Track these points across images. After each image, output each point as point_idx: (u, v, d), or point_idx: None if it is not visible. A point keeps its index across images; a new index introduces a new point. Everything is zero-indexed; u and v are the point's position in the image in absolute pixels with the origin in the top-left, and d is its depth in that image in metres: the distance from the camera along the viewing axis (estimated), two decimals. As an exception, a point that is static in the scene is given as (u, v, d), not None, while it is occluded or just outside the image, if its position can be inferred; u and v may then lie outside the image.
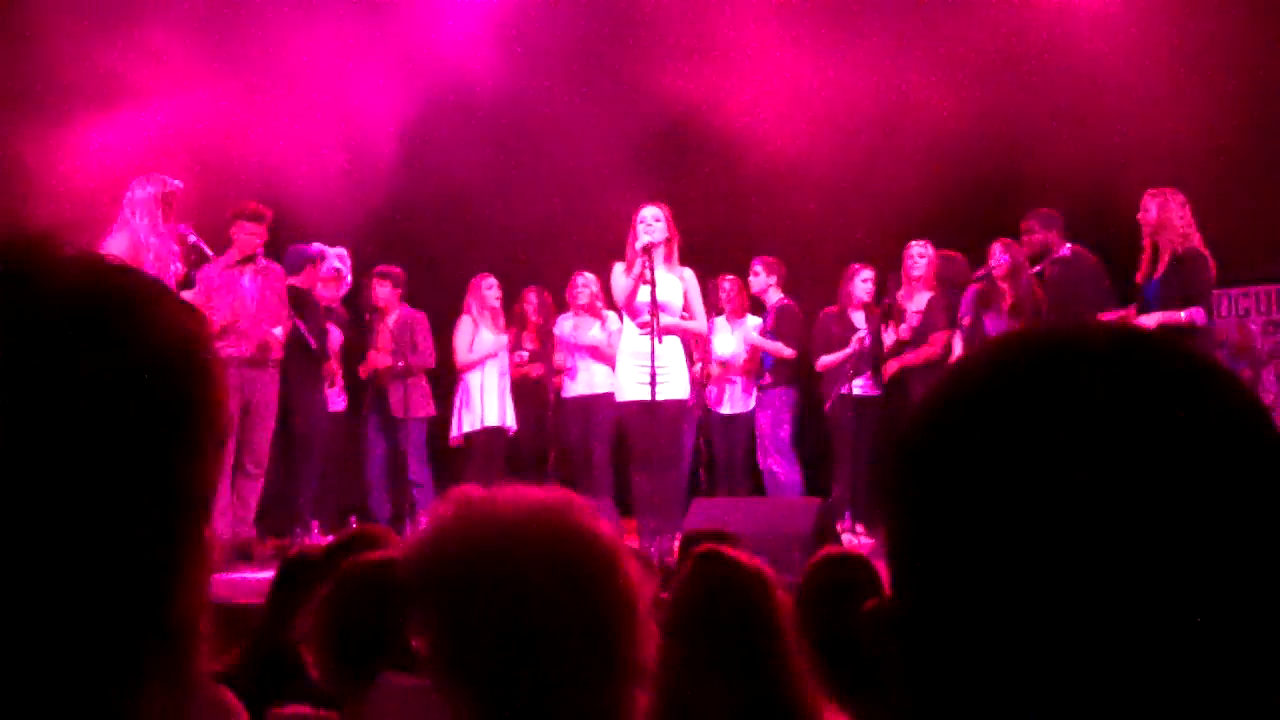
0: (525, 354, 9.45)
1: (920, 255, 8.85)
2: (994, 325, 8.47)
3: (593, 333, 9.26)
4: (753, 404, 9.46)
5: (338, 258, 8.93)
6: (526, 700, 1.50)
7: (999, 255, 8.50)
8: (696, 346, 8.67)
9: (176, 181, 7.53)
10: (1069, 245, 8.00)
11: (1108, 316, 7.45)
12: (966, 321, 8.41)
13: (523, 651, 1.50)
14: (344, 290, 9.10)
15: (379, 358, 9.13)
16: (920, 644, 0.77)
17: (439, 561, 1.55)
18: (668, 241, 7.46)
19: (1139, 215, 7.42)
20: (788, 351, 9.18)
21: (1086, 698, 0.71)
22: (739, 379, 9.49)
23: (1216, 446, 0.72)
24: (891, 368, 8.78)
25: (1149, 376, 0.74)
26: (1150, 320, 7.20)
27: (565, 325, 9.35)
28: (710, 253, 8.52)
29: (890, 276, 9.07)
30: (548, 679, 1.50)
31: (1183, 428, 0.72)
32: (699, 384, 8.80)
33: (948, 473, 0.76)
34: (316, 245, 8.62)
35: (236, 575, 6.69)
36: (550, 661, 1.50)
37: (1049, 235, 8.06)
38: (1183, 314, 7.15)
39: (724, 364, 9.46)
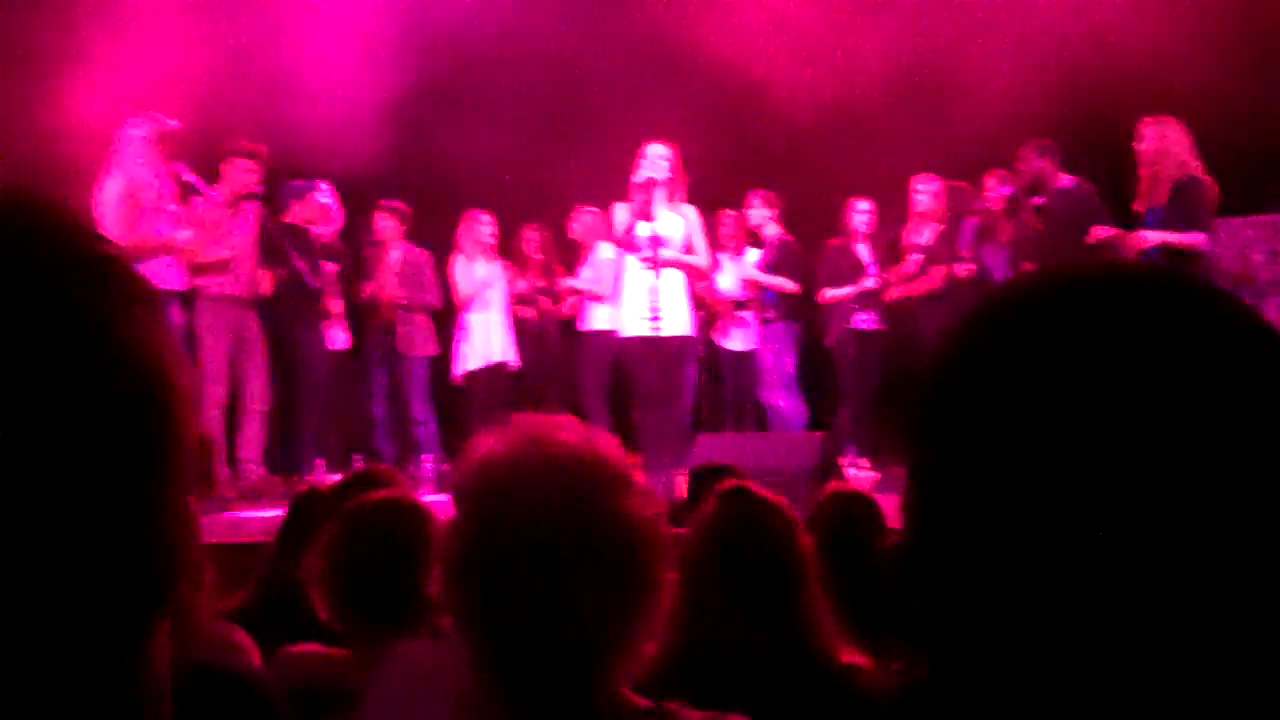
0: (523, 284, 9.41)
1: (922, 192, 8.82)
2: (992, 257, 8.46)
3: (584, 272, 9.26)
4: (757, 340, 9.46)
5: (324, 192, 8.87)
6: (548, 642, 1.50)
7: (995, 188, 8.49)
8: (699, 283, 8.65)
9: (172, 121, 7.48)
10: (1068, 176, 7.93)
11: (1104, 233, 7.40)
12: (967, 254, 8.40)
13: (553, 596, 1.48)
14: (337, 226, 9.04)
15: (383, 290, 9.09)
16: (938, 582, 0.77)
17: (487, 492, 1.54)
18: (672, 181, 7.44)
19: (1135, 144, 7.34)
20: (791, 286, 9.16)
21: (1105, 633, 0.70)
22: (748, 314, 9.48)
23: (1237, 380, 0.72)
24: (893, 295, 8.79)
25: (1166, 311, 0.74)
26: (1153, 238, 7.16)
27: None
28: (710, 188, 8.47)
29: (891, 211, 9.04)
30: (573, 623, 1.50)
31: (1203, 361, 0.72)
32: (701, 320, 8.79)
33: (967, 412, 0.76)
34: (301, 180, 8.57)
35: (245, 514, 6.72)
36: (579, 606, 1.49)
37: (1043, 164, 7.98)
38: (1185, 238, 7.12)
39: (727, 299, 9.45)
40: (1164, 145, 7.22)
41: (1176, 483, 0.70)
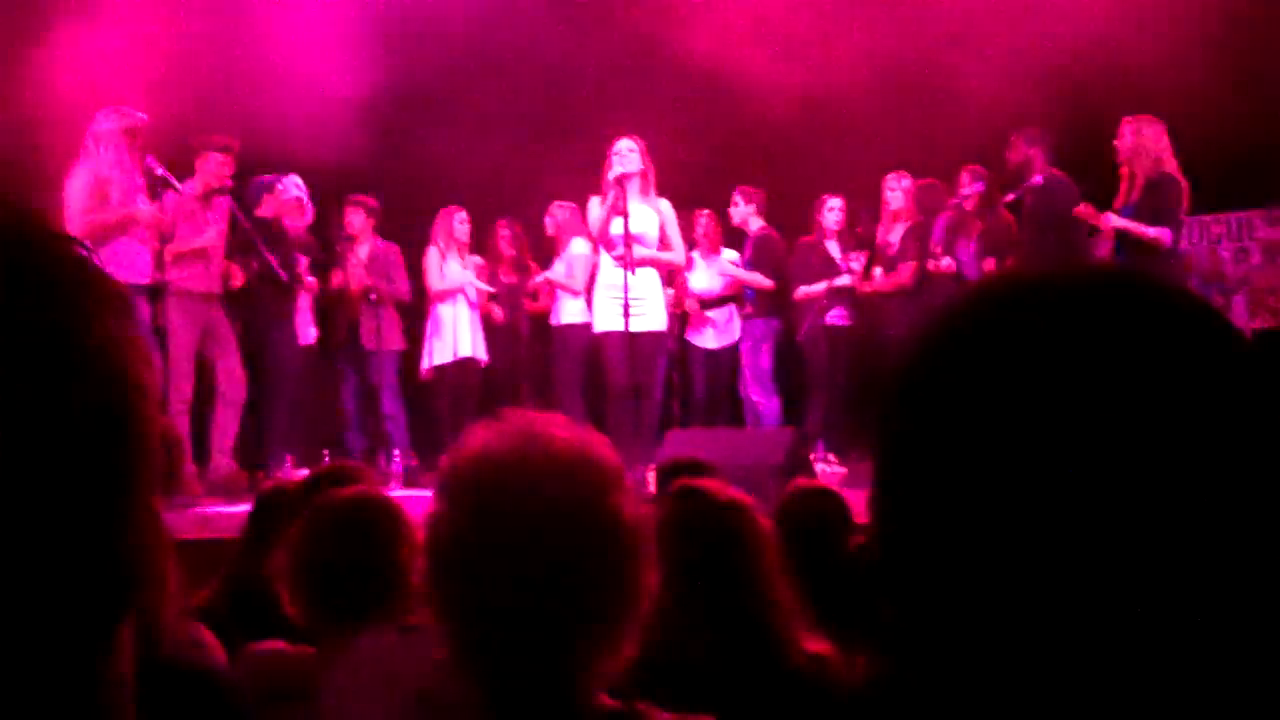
0: (491, 289, 9.39)
1: (893, 189, 8.84)
2: (965, 253, 8.48)
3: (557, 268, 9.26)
4: (736, 336, 9.47)
5: (295, 185, 8.83)
6: (531, 638, 1.49)
7: (968, 185, 8.50)
8: (672, 279, 8.66)
9: (140, 114, 7.43)
10: (1050, 171, 7.92)
11: (1084, 210, 7.43)
12: (939, 251, 8.40)
13: (538, 596, 1.48)
14: (308, 219, 9.00)
15: (353, 282, 9.05)
16: (907, 582, 0.77)
17: (479, 487, 1.53)
18: (642, 174, 7.45)
19: (1115, 141, 7.41)
20: (766, 283, 9.17)
21: (1073, 634, 0.71)
22: (719, 311, 9.50)
23: (1201, 380, 0.73)
24: (863, 290, 8.82)
25: (1134, 314, 0.75)
26: (1118, 221, 7.23)
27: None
28: (688, 187, 8.47)
29: (863, 206, 9.06)
30: (557, 620, 1.49)
31: (1166, 362, 0.73)
32: (674, 316, 8.79)
33: (934, 414, 0.76)
34: (268, 175, 8.53)
35: (213, 509, 6.68)
36: (564, 603, 1.49)
37: (1031, 152, 7.95)
38: (1150, 230, 7.18)
39: (699, 298, 9.47)
40: (1140, 143, 7.30)
41: (1143, 482, 0.70)
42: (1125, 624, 0.70)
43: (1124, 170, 7.39)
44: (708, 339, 9.56)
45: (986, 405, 0.74)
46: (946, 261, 8.43)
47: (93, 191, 7.18)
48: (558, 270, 9.20)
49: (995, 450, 0.73)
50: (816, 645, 2.49)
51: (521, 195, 9.67)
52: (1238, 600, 0.71)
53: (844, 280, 8.85)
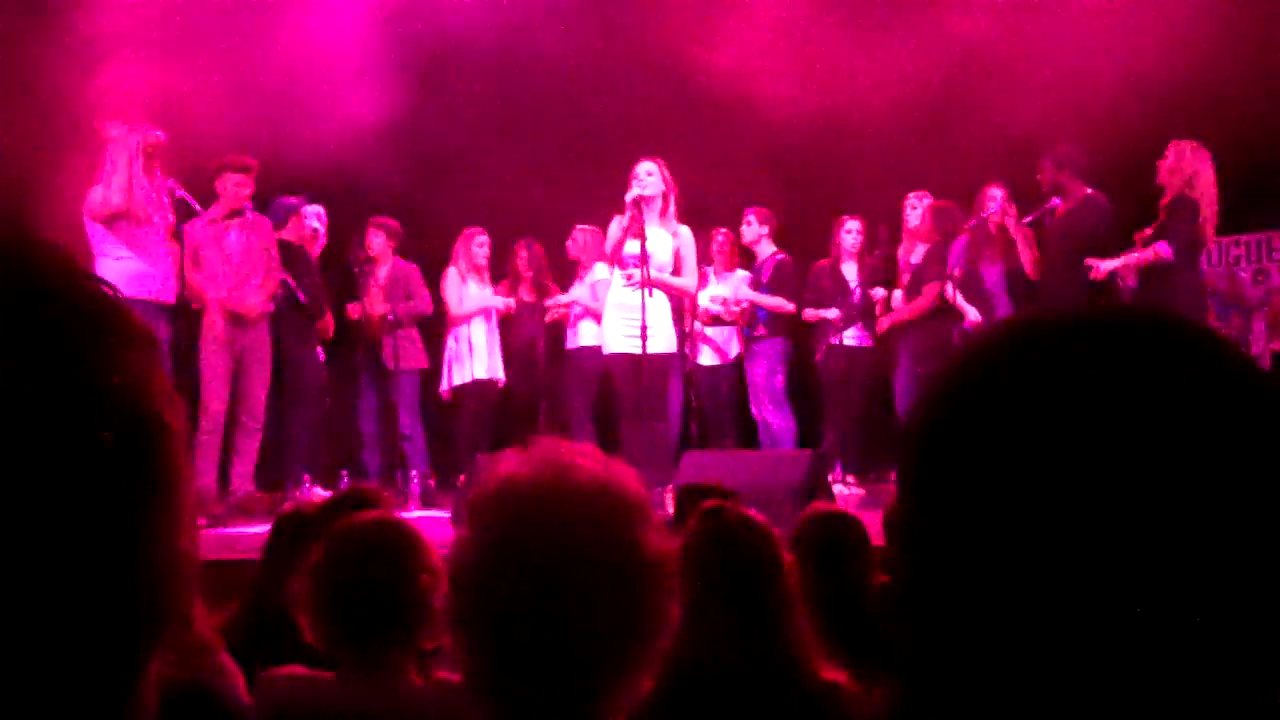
0: (512, 302, 9.41)
1: (914, 207, 8.82)
2: (990, 274, 8.39)
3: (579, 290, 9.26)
4: (734, 354, 9.47)
5: (315, 216, 8.88)
6: (552, 666, 1.49)
7: (994, 203, 8.39)
8: (683, 303, 8.65)
9: (158, 132, 7.45)
10: (1083, 191, 7.86)
11: (1096, 272, 7.46)
12: (958, 272, 8.34)
13: (559, 626, 1.48)
14: (319, 247, 9.04)
15: (373, 306, 9.07)
16: (929, 621, 0.78)
17: (506, 513, 1.53)
18: (663, 196, 7.45)
19: (1159, 162, 7.49)
20: (789, 306, 9.17)
21: (1092, 681, 0.72)
22: (717, 330, 9.51)
23: (1219, 424, 0.73)
24: (884, 325, 8.78)
25: (1152, 357, 0.75)
26: (1111, 265, 7.30)
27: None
28: (705, 205, 8.47)
29: (883, 228, 9.04)
30: (579, 650, 1.49)
31: (1192, 410, 0.73)
32: (684, 339, 8.79)
33: (962, 457, 0.77)
34: (294, 197, 8.56)
35: (234, 530, 6.70)
36: (587, 634, 1.49)
37: (1060, 176, 7.90)
38: (1148, 253, 7.23)
39: (712, 317, 9.46)
40: (1176, 165, 7.35)
41: (1164, 527, 0.71)
42: (1149, 666, 0.71)
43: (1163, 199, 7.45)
44: (705, 356, 9.56)
45: (1006, 451, 0.75)
46: (955, 279, 8.34)
47: (115, 206, 7.19)
48: (581, 294, 9.20)
49: (1015, 494, 0.74)
50: (832, 673, 2.48)
51: (543, 217, 9.68)
52: (1266, 647, 0.71)
53: (832, 313, 8.87)
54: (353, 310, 9.12)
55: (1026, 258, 8.08)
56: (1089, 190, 7.87)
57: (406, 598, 2.35)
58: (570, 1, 10.17)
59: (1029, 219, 8.12)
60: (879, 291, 8.87)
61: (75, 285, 0.77)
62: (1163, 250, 7.23)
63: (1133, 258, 7.30)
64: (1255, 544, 0.71)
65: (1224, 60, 7.90)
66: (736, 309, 9.40)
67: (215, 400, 7.50)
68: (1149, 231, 7.43)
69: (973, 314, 8.11)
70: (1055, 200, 7.89)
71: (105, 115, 7.44)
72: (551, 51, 10.13)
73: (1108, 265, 7.34)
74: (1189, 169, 7.34)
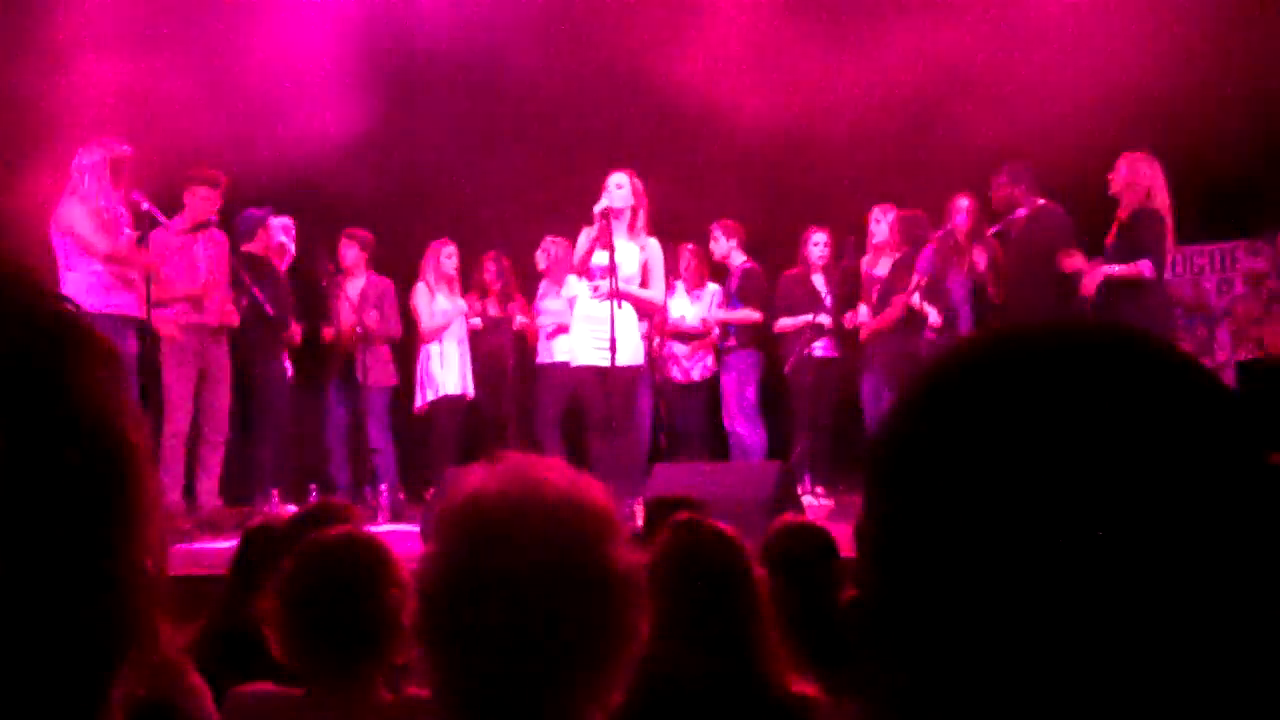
0: (479, 321, 9.39)
1: (878, 220, 8.85)
2: (956, 283, 8.42)
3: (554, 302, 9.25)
4: (710, 371, 9.48)
5: (282, 229, 8.83)
6: (521, 681, 1.49)
7: (961, 213, 8.45)
8: (649, 316, 8.64)
9: (124, 146, 7.41)
10: (1035, 203, 7.95)
11: (1070, 264, 7.48)
12: (924, 281, 8.36)
13: (528, 640, 1.48)
14: (288, 260, 8.99)
15: (342, 319, 9.02)
16: (899, 635, 0.78)
17: (474, 528, 1.52)
18: (633, 209, 7.45)
19: (1109, 174, 7.48)
20: (756, 316, 9.18)
21: (1058, 691, 0.72)
22: (691, 348, 9.52)
23: (1183, 438, 0.74)
24: (865, 333, 8.78)
25: (1117, 372, 0.76)
26: (1098, 274, 7.29)
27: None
28: (674, 220, 8.48)
29: (850, 239, 9.06)
30: (548, 664, 1.49)
31: (1156, 423, 0.74)
32: (651, 352, 8.78)
33: (926, 471, 0.77)
34: (261, 209, 8.51)
35: (202, 546, 6.65)
36: (556, 648, 1.49)
37: (1015, 190, 7.98)
38: (1132, 267, 7.24)
39: (681, 333, 9.47)
40: (1132, 179, 7.36)
41: (1129, 541, 0.71)
42: (1120, 682, 0.71)
43: (1122, 203, 7.46)
44: (677, 372, 9.57)
45: (976, 463, 0.75)
46: (919, 288, 8.36)
47: (89, 217, 7.15)
48: (549, 307, 9.20)
49: (985, 508, 0.74)
50: (802, 685, 2.49)
51: (511, 230, 9.66)
52: (1246, 667, 0.72)
53: (824, 319, 8.87)
54: (327, 333, 9.06)
55: (986, 269, 8.16)
56: (1042, 200, 7.93)
57: (375, 613, 2.34)
58: (540, 14, 10.17)
59: (995, 229, 8.17)
60: (861, 313, 8.86)
61: (36, 303, 0.76)
62: (1145, 269, 7.24)
63: (1114, 270, 7.30)
64: (1218, 558, 0.72)
65: (1187, 72, 7.96)
66: (707, 335, 9.43)
67: (179, 414, 7.46)
68: (1111, 240, 7.46)
69: (933, 316, 8.14)
70: (1021, 211, 7.94)
71: (73, 125, 7.40)
72: (521, 64, 10.12)
73: (1093, 276, 7.34)
74: (1145, 181, 7.36)
